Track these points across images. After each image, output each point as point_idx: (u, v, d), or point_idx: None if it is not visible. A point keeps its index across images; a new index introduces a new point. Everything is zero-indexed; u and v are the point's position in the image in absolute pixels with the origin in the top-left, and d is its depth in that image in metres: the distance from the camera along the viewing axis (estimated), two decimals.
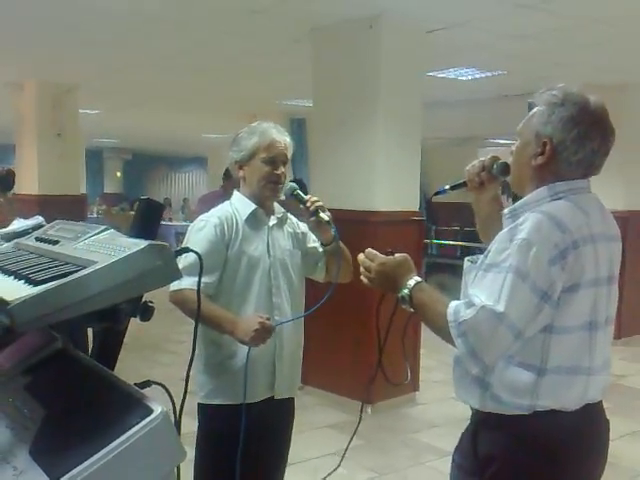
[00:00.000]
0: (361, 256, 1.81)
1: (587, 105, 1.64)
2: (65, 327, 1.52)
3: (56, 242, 1.48)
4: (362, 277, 1.80)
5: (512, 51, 6.03)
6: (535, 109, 1.70)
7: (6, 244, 1.76)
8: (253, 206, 2.43)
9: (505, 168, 1.88)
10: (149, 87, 8.52)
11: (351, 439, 2.22)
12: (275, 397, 2.42)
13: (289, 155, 2.46)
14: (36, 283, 1.17)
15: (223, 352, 2.37)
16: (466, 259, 1.82)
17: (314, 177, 5.71)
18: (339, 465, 2.32)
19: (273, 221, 2.48)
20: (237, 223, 2.39)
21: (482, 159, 1.96)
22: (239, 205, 2.45)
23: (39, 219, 1.86)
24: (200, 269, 1.48)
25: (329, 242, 2.43)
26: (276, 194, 2.44)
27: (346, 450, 2.26)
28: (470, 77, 7.11)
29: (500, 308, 1.52)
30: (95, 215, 15.77)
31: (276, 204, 2.53)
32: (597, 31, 5.25)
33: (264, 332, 2.19)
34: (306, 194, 2.39)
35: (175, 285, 2.22)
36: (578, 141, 1.62)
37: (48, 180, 7.93)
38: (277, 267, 2.43)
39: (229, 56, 6.44)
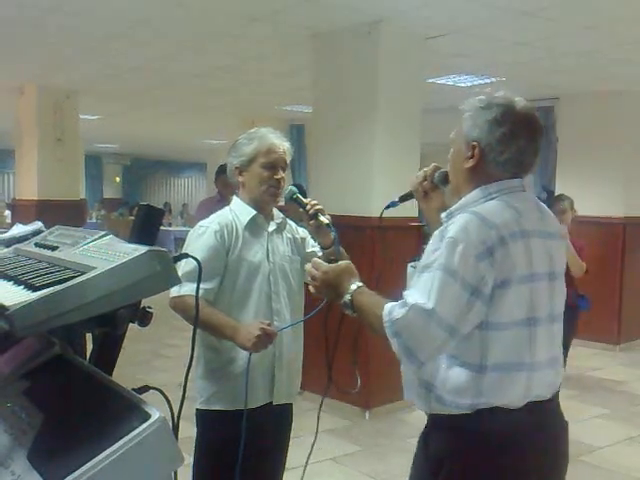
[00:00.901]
0: (308, 266, 1.87)
1: (511, 106, 1.70)
2: (64, 332, 1.53)
3: (55, 248, 1.49)
4: (310, 287, 1.86)
5: (511, 58, 6.05)
6: (464, 115, 1.75)
7: (6, 249, 1.77)
8: (253, 212, 2.43)
9: (445, 176, 1.93)
10: (149, 93, 8.54)
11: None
12: (274, 403, 2.42)
13: (288, 160, 2.47)
14: (35, 288, 1.18)
15: (222, 357, 2.37)
16: (409, 264, 1.87)
17: (313, 182, 5.72)
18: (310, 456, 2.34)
19: (272, 227, 2.48)
20: (237, 229, 2.40)
21: (425, 169, 2.01)
22: (239, 211, 2.45)
23: (38, 224, 1.86)
24: (199, 275, 1.49)
25: (329, 246, 2.43)
26: (276, 199, 2.45)
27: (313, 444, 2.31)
28: (469, 84, 7.13)
29: (429, 305, 1.55)
30: (94, 220, 15.78)
31: (275, 210, 2.54)
32: (595, 38, 5.27)
33: (265, 338, 2.19)
34: (305, 198, 2.40)
35: (175, 291, 2.22)
36: (503, 141, 1.67)
37: (47, 185, 7.94)
38: (276, 273, 2.43)
39: (228, 62, 6.46)
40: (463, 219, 1.61)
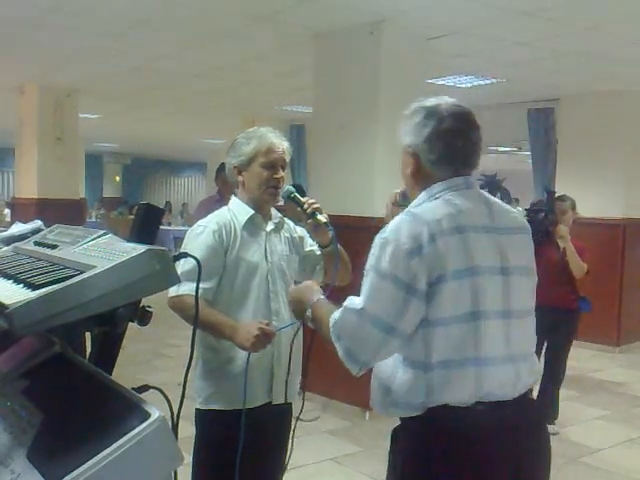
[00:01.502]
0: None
1: (434, 107, 1.76)
2: (63, 331, 1.52)
3: (55, 246, 1.48)
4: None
5: (512, 58, 6.05)
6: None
7: (5, 248, 1.77)
8: (251, 211, 2.43)
9: (404, 194, 2.00)
10: (149, 92, 8.54)
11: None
12: (273, 402, 2.41)
13: (287, 159, 2.47)
14: (35, 287, 1.17)
15: (221, 357, 2.36)
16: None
17: (313, 183, 5.72)
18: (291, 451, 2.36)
19: (270, 226, 2.48)
20: (235, 229, 2.39)
21: (396, 191, 2.12)
22: (237, 211, 2.45)
23: (38, 223, 1.86)
24: (198, 274, 1.49)
25: (327, 244, 2.42)
26: (275, 198, 2.45)
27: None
28: (469, 84, 7.13)
29: (359, 305, 1.61)
30: (94, 219, 15.78)
31: (273, 209, 2.54)
32: (596, 39, 5.27)
33: (264, 338, 2.18)
34: (304, 197, 2.40)
35: (174, 291, 2.21)
36: (431, 140, 1.73)
37: (47, 184, 7.95)
38: (275, 273, 2.42)
39: (229, 61, 6.46)
40: (397, 219, 1.66)
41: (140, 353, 6.37)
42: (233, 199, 2.51)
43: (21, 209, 8.22)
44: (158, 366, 6.20)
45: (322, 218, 2.33)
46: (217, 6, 4.68)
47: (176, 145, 16.32)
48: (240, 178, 2.45)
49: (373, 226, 4.95)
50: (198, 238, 2.36)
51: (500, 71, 6.61)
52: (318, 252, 2.53)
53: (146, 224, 1.49)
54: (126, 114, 10.76)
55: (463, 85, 7.15)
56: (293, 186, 2.46)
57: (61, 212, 7.07)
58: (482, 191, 1.80)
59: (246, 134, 2.47)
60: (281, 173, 2.43)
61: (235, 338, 2.21)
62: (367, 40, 4.94)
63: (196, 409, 2.41)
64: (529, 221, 4.71)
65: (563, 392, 5.52)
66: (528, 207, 4.75)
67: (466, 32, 5.13)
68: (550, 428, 4.57)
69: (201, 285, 2.18)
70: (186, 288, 2.17)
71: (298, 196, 2.39)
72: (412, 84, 5.12)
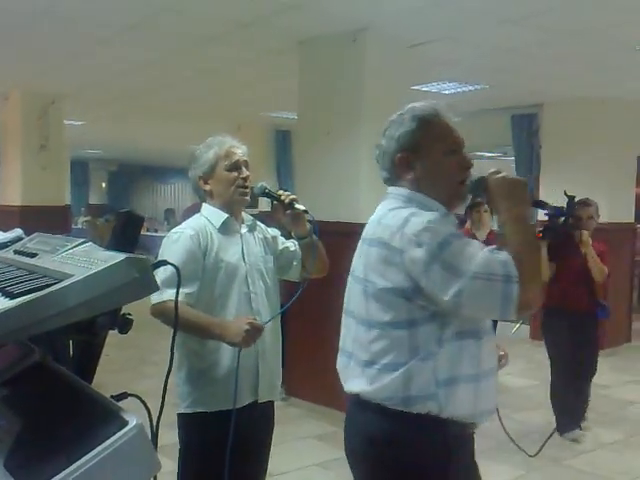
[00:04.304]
0: None
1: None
2: (44, 339, 1.52)
3: (34, 255, 1.48)
4: None
5: (495, 65, 6.10)
6: None
7: None
8: (225, 215, 2.46)
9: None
10: (134, 98, 8.53)
11: None
12: (259, 401, 2.43)
13: (247, 161, 2.51)
14: (13, 296, 1.17)
15: (205, 361, 2.37)
16: None
17: (300, 189, 5.72)
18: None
19: (244, 229, 2.52)
20: (211, 233, 2.42)
21: None
22: (210, 216, 2.47)
23: (18, 232, 1.86)
24: (178, 280, 1.50)
25: (306, 235, 2.48)
26: (246, 196, 2.48)
27: None
28: (453, 91, 7.18)
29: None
30: (80, 226, 15.68)
31: (244, 212, 2.57)
32: (579, 45, 5.33)
33: (255, 331, 2.21)
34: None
35: (156, 298, 2.21)
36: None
37: (31, 191, 7.91)
38: (253, 273, 2.45)
39: (214, 67, 6.47)
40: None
41: (126, 360, 6.34)
42: (205, 206, 2.53)
43: (4, 216, 8.16)
44: (144, 373, 6.18)
45: (301, 206, 2.40)
46: (202, 13, 4.69)
47: (162, 151, 16.28)
48: (207, 187, 2.49)
49: (359, 232, 4.96)
50: (175, 244, 2.37)
51: (483, 77, 6.67)
52: (292, 248, 2.58)
53: (126, 232, 1.50)
54: (112, 120, 10.72)
55: (447, 91, 7.20)
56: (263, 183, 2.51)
57: (46, 219, 7.02)
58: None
59: (204, 144, 2.52)
60: (246, 172, 2.47)
61: (226, 335, 2.23)
62: (350, 47, 4.97)
63: (180, 414, 2.41)
64: (550, 226, 4.77)
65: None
66: (548, 212, 4.71)
67: (449, 39, 5.17)
68: (575, 433, 4.69)
69: (183, 290, 2.22)
70: (168, 294, 2.17)
71: (272, 191, 2.44)
72: (396, 91, 5.14)
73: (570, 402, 4.75)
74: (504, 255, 1.57)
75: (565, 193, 4.68)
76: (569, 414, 4.75)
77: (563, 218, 4.81)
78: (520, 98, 7.60)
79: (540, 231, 4.64)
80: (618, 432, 4.97)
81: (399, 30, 4.94)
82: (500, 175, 1.71)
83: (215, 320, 2.29)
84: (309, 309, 4.22)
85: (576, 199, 4.64)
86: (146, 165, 21.27)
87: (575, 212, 4.64)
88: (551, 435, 2.03)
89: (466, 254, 1.57)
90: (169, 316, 2.23)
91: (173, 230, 2.47)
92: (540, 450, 2.44)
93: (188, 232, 2.39)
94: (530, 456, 2.41)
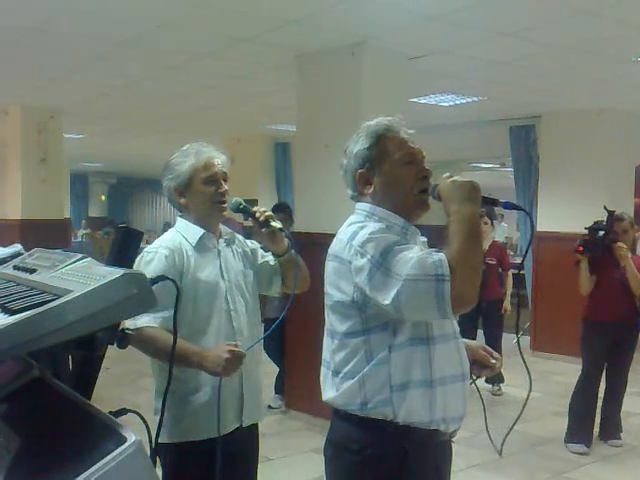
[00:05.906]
0: None
1: None
2: (43, 355, 1.52)
3: (34, 270, 1.49)
4: None
5: (492, 77, 6.13)
6: None
7: None
8: (201, 231, 2.32)
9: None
10: (134, 112, 8.56)
11: None
12: (243, 425, 2.31)
13: (227, 172, 2.37)
14: (12, 312, 1.18)
15: (187, 387, 2.22)
16: None
17: (299, 201, 5.74)
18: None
19: (222, 243, 2.39)
20: (186, 251, 2.28)
21: None
22: (185, 232, 2.33)
23: (18, 247, 1.86)
24: (177, 300, 1.49)
25: (284, 252, 2.37)
26: (223, 212, 2.37)
27: None
28: (452, 103, 7.21)
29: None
30: (80, 239, 15.70)
31: (221, 225, 2.44)
32: (577, 57, 5.35)
33: (235, 360, 2.08)
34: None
35: (131, 325, 1.97)
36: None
37: (31, 205, 7.92)
38: (233, 290, 2.33)
39: (213, 81, 6.50)
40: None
41: (126, 374, 6.32)
42: (179, 221, 2.40)
43: (5, 231, 8.17)
44: (144, 386, 6.14)
45: (277, 224, 2.29)
46: (201, 27, 4.72)
47: (161, 164, 16.25)
48: (182, 200, 2.34)
49: None
50: (149, 265, 2.21)
51: (481, 89, 6.70)
52: (272, 262, 2.46)
53: (124, 247, 1.50)
54: (111, 134, 10.76)
55: (445, 103, 7.24)
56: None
57: (45, 233, 7.04)
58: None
59: (180, 152, 2.39)
60: (225, 186, 2.34)
61: (204, 365, 2.09)
62: (349, 61, 5.00)
63: (162, 444, 2.08)
64: (589, 240, 4.76)
65: (552, 408, 5.55)
66: (588, 226, 4.79)
67: (447, 52, 5.20)
68: (616, 442, 4.82)
69: (160, 315, 2.07)
70: (143, 320, 2.05)
71: (248, 206, 2.33)
72: (394, 103, 5.17)
73: (588, 413, 4.76)
74: (438, 256, 1.62)
75: (605, 208, 4.62)
76: (582, 425, 4.75)
77: (602, 232, 4.85)
78: (518, 110, 7.62)
79: (580, 244, 4.70)
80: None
81: (397, 44, 4.97)
82: (450, 179, 1.75)
83: (193, 348, 2.12)
84: (308, 322, 4.22)
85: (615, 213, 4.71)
86: (146, 178, 21.31)
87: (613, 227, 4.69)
88: (510, 430, 2.02)
89: (404, 259, 1.62)
90: (146, 343, 2.11)
91: (146, 249, 2.30)
92: (502, 446, 2.33)
93: (162, 252, 2.24)
94: (500, 456, 2.39)
